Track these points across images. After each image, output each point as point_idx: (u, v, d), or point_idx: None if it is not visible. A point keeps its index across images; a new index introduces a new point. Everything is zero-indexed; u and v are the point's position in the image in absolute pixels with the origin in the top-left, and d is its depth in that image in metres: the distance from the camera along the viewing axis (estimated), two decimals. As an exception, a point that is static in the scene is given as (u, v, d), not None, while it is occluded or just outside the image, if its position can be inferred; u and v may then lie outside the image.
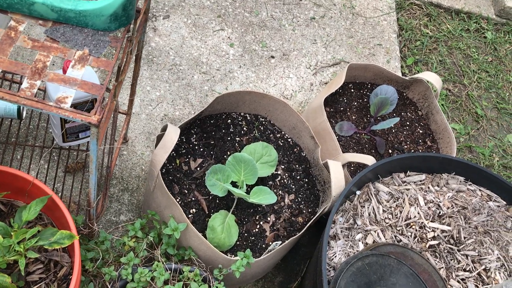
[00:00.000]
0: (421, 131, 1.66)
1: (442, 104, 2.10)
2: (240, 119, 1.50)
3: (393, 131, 1.64)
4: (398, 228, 1.27)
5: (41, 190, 1.01)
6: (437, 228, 1.29)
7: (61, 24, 0.89)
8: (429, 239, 1.27)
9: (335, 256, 1.21)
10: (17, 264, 1.02)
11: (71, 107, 0.82)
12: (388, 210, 1.30)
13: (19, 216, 0.93)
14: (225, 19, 1.96)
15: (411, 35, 2.24)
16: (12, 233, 0.89)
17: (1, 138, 1.39)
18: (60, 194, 1.37)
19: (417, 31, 2.28)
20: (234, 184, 1.33)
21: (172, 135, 1.21)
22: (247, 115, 1.51)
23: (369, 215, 1.28)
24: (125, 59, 0.95)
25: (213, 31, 1.91)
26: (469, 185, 1.38)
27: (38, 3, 0.86)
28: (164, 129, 1.23)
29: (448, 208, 1.32)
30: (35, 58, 0.85)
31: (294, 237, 1.25)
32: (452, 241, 1.28)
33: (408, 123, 1.67)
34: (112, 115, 1.51)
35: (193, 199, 1.33)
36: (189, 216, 1.31)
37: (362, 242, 1.24)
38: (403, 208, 1.30)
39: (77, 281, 0.95)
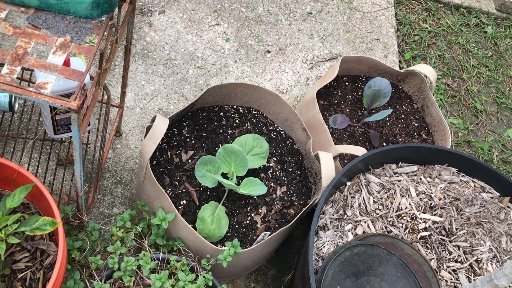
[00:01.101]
0: (416, 124, 1.65)
1: (441, 99, 2.08)
2: (232, 112, 1.49)
3: (388, 124, 1.63)
4: (388, 219, 1.26)
5: (27, 179, 1.02)
6: (429, 219, 1.27)
7: (43, 11, 0.89)
8: (420, 230, 1.26)
9: (324, 247, 1.20)
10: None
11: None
12: (378, 201, 1.29)
13: (3, 204, 0.93)
14: (221, 14, 1.96)
15: (410, 30, 2.23)
16: (-5, 220, 0.89)
17: (-6, 131, 1.40)
18: (52, 187, 1.37)
19: (415, 26, 2.27)
20: (224, 175, 1.32)
21: (161, 126, 1.21)
22: (240, 108, 1.50)
23: (359, 205, 1.27)
24: (109, 47, 0.95)
25: (209, 26, 1.91)
26: (462, 176, 1.36)
27: (20, -9, 0.86)
28: (153, 120, 1.24)
29: (440, 199, 1.31)
30: (16, 44, 0.85)
31: (284, 227, 1.25)
32: (443, 232, 1.27)
33: (403, 116, 1.66)
34: (105, 108, 1.52)
35: (183, 190, 1.33)
36: (180, 207, 1.31)
37: (352, 233, 1.23)
38: (394, 199, 1.29)
39: (61, 269, 0.95)
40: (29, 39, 0.86)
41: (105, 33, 0.94)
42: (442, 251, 1.25)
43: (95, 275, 1.06)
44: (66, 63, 1.14)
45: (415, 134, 1.63)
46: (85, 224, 1.23)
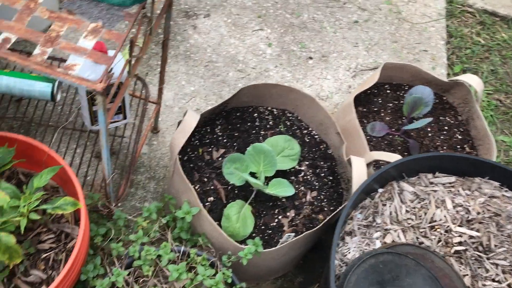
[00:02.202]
0: (459, 137, 1.58)
1: (491, 115, 1.98)
2: (266, 113, 1.48)
3: (429, 135, 1.57)
4: (421, 230, 1.20)
5: (56, 162, 1.05)
6: (465, 233, 1.20)
7: (78, -3, 0.92)
8: (455, 244, 1.19)
9: (349, 252, 1.16)
10: (30, 232, 1.06)
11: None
12: (411, 210, 1.23)
13: (31, 183, 0.96)
14: (265, 20, 1.97)
15: (461, 42, 2.15)
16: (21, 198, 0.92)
17: (35, 119, 1.46)
18: (85, 178, 1.41)
19: (468, 39, 2.18)
20: (253, 175, 1.31)
21: (191, 120, 1.22)
22: (274, 110, 1.49)
23: (390, 214, 1.22)
24: (141, 37, 0.97)
25: (252, 30, 1.93)
26: (504, 191, 1.28)
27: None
28: (185, 114, 1.25)
29: (478, 213, 1.23)
30: (50, 27, 0.88)
31: (310, 231, 1.21)
32: (480, 248, 1.19)
33: (446, 127, 1.59)
34: (141, 101, 1.55)
35: (212, 187, 1.33)
36: (207, 204, 1.30)
37: (380, 241, 1.18)
38: (428, 209, 1.23)
39: (81, 250, 0.97)
40: (62, 23, 0.89)
41: (137, 22, 0.96)
42: (478, 268, 1.17)
43: (116, 262, 1.07)
44: (103, 51, 1.18)
45: (458, 147, 1.55)
46: (114, 213, 1.25)
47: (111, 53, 1.25)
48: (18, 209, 0.89)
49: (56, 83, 1.36)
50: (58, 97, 1.39)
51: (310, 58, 1.91)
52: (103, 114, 0.91)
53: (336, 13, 2.07)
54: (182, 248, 1.13)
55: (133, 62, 1.01)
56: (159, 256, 1.09)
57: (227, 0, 1.99)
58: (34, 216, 0.89)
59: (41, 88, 1.35)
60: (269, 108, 1.49)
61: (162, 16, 1.12)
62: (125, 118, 1.41)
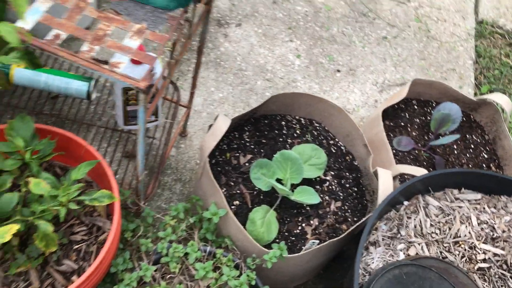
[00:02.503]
0: (486, 156, 1.58)
1: (517, 136, 1.97)
2: (294, 122, 1.51)
3: (455, 152, 1.57)
4: (445, 245, 1.21)
5: (93, 157, 1.08)
6: (489, 251, 1.20)
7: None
8: (479, 261, 1.19)
9: (373, 262, 1.16)
10: (64, 224, 1.10)
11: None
12: (436, 225, 1.23)
13: (69, 175, 1.00)
14: (295, 31, 2.00)
15: (489, 63, 2.15)
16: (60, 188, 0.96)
17: (69, 117, 1.51)
18: (114, 176, 1.44)
19: (496, 59, 2.19)
20: (279, 181, 1.33)
21: (222, 124, 1.24)
22: (302, 119, 1.51)
23: (415, 227, 1.23)
24: (182, 40, 1.01)
25: (282, 41, 1.96)
26: (531, 211, 1.28)
27: (108, -20, 0.94)
28: (216, 118, 1.28)
29: (503, 231, 1.23)
30: (98, 26, 0.92)
31: (334, 239, 1.22)
32: (505, 266, 1.19)
33: (472, 146, 1.59)
34: (172, 105, 1.58)
35: (237, 192, 1.35)
36: (232, 207, 1.32)
37: (404, 253, 1.18)
38: (452, 225, 1.23)
39: (113, 243, 0.99)
40: (110, 23, 0.93)
41: (178, 26, 1.00)
42: (502, 286, 1.17)
43: (144, 257, 1.10)
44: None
45: (484, 166, 1.55)
46: (142, 211, 1.28)
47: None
48: (56, 198, 0.92)
49: (92, 82, 1.41)
50: (93, 96, 1.43)
51: (338, 71, 1.94)
52: (144, 112, 0.94)
53: (365, 28, 2.09)
54: (208, 248, 1.15)
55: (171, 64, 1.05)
56: (186, 254, 1.11)
57: (258, 11, 2.03)
58: (73, 206, 0.92)
59: (78, 86, 1.40)
60: (297, 117, 1.52)
61: (201, 22, 1.15)
62: (157, 119, 1.45)
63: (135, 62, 1.19)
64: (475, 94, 2.04)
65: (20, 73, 1.35)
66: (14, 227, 0.85)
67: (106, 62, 0.91)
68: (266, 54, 1.91)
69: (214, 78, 1.82)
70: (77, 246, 1.07)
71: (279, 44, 1.95)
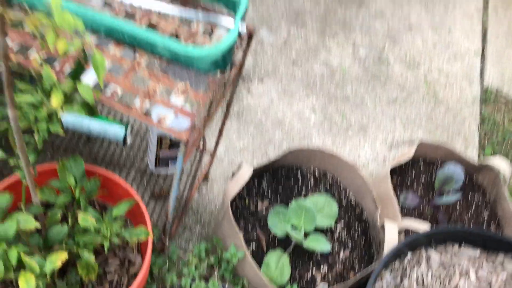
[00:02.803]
0: (487, 214, 1.69)
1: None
2: (309, 174, 1.64)
3: (458, 211, 1.68)
4: (445, 296, 1.30)
5: (130, 196, 1.22)
6: (486, 305, 1.30)
7: (172, 62, 1.12)
8: (476, 314, 1.28)
9: (377, 309, 1.26)
10: (99, 255, 1.21)
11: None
12: (437, 277, 1.33)
13: (110, 212, 1.12)
14: (312, 90, 2.16)
15: (493, 128, 2.29)
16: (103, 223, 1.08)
17: (106, 159, 1.65)
18: (143, 213, 1.57)
19: (500, 125, 2.32)
20: (293, 227, 1.45)
21: (245, 172, 1.38)
22: (316, 170, 1.64)
23: (417, 278, 1.33)
24: (218, 98, 1.16)
25: (300, 98, 2.12)
26: (526, 270, 1.38)
27: (159, 46, 1.10)
28: (239, 166, 1.41)
29: None
30: (148, 85, 1.08)
31: (342, 283, 1.33)
32: (500, 320, 1.28)
33: (474, 206, 1.70)
34: (198, 152, 1.72)
35: (254, 236, 1.47)
36: (248, 250, 1.44)
37: (406, 302, 1.28)
38: (452, 278, 1.33)
39: (144, 277, 1.11)
40: (158, 81, 1.09)
41: (217, 87, 1.15)
42: (497, 339, 1.25)
43: (169, 291, 1.21)
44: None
45: (485, 224, 1.66)
46: (166, 248, 1.40)
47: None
48: (99, 232, 1.05)
49: (129, 128, 1.56)
50: (129, 141, 1.58)
51: (350, 128, 2.08)
52: (182, 160, 1.08)
53: (377, 89, 2.25)
54: (227, 285, 1.26)
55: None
56: (207, 291, 1.22)
57: (279, 69, 2.20)
58: (115, 240, 1.05)
59: (116, 131, 1.55)
60: (312, 169, 1.65)
61: (233, 82, 1.31)
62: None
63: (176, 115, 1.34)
64: (479, 155, 2.17)
65: (66, 118, 1.51)
66: (63, 255, 0.98)
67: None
68: (285, 109, 2.07)
69: (236, 128, 1.96)
70: (110, 277, 1.18)
71: (296, 101, 2.11)
